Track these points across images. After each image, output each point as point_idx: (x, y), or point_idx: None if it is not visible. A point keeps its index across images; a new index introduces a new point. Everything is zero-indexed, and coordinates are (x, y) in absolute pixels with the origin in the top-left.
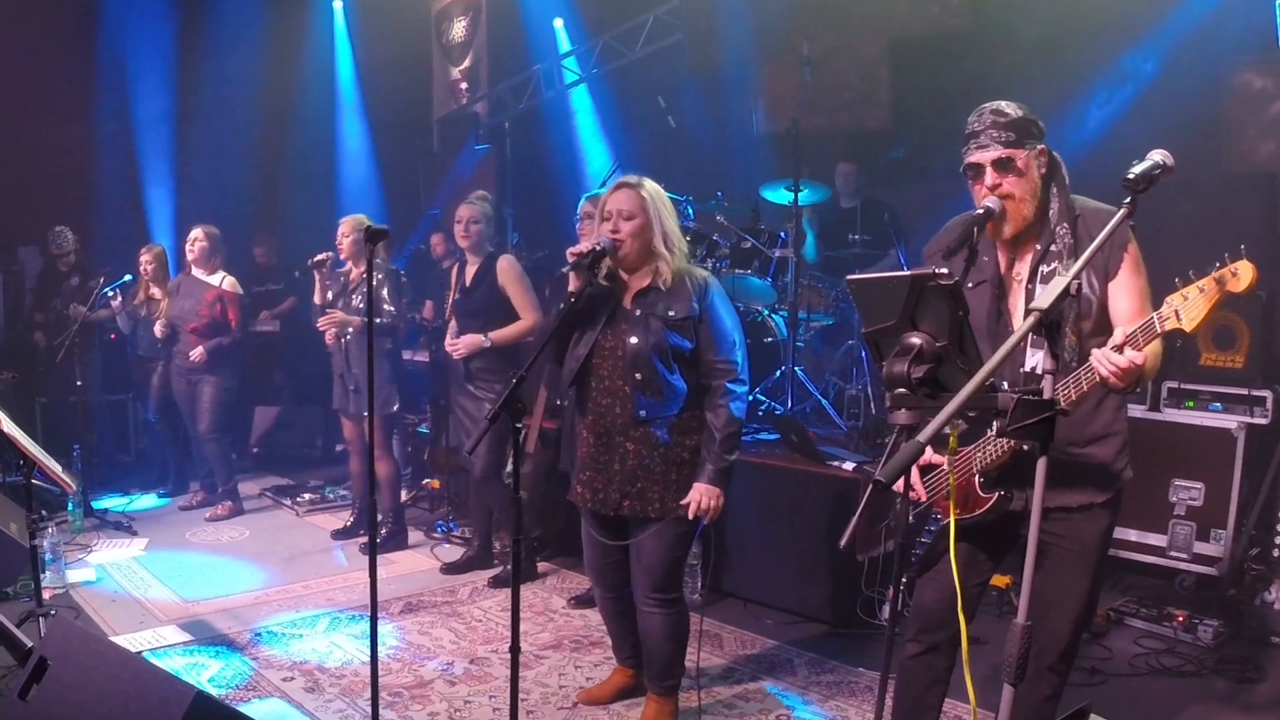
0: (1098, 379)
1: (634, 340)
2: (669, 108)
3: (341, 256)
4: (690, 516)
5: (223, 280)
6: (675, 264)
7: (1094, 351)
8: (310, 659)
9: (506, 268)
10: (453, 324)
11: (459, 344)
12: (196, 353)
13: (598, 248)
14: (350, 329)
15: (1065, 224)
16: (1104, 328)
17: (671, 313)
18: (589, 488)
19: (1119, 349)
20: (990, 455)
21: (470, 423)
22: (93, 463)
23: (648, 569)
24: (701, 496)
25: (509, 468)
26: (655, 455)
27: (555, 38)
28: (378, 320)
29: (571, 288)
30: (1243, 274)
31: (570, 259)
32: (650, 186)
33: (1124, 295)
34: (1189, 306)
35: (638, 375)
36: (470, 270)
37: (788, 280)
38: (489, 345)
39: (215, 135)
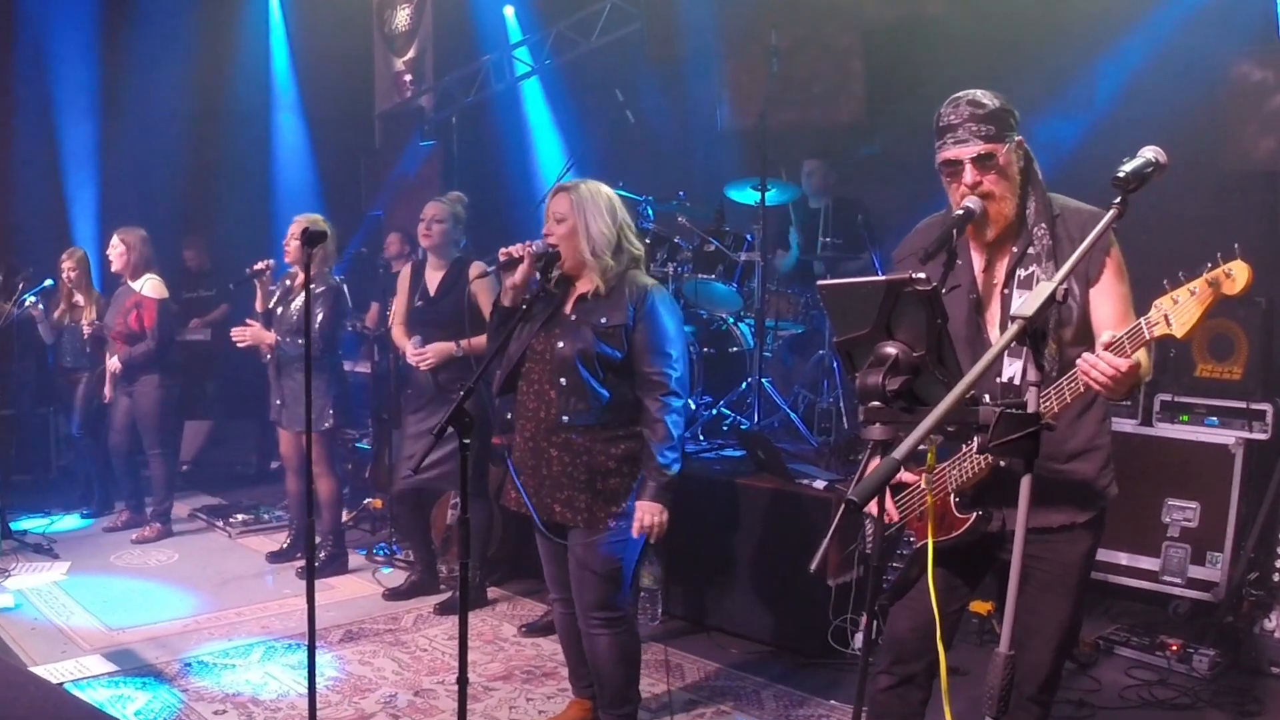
0: (1083, 388)
1: (561, 345)
2: (627, 101)
3: (287, 259)
4: (635, 534)
5: (144, 284)
6: (603, 267)
7: (1084, 356)
8: (244, 691)
9: (476, 274)
10: (399, 331)
11: (427, 353)
12: (111, 363)
13: (532, 249)
14: (266, 344)
15: (1044, 224)
16: (1085, 336)
17: (604, 320)
18: (525, 491)
19: (1107, 351)
20: (966, 472)
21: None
22: (11, 481)
23: (586, 583)
24: (643, 514)
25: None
26: (579, 463)
27: (505, 26)
28: (299, 342)
29: (508, 283)
30: (1237, 275)
31: (501, 258)
32: (585, 188)
33: (1106, 302)
34: (1180, 310)
35: (562, 381)
36: (434, 275)
37: (754, 286)
38: (460, 354)
39: (142, 131)
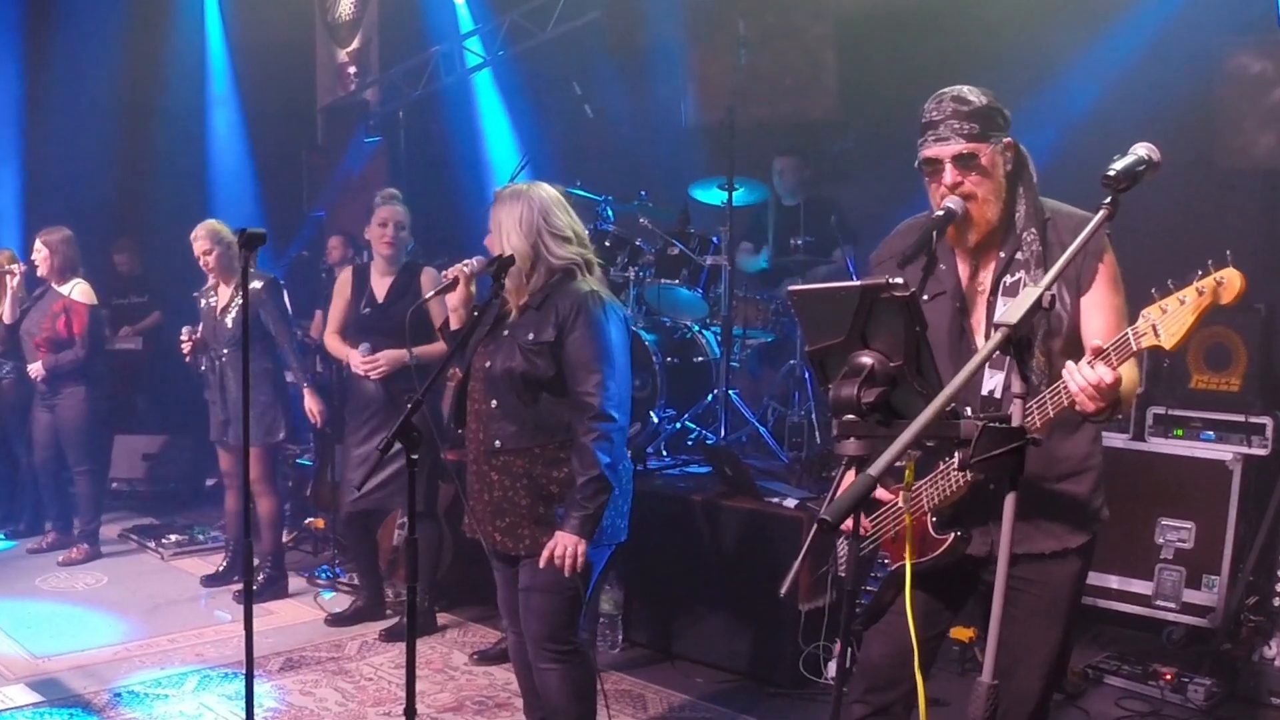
0: (1066, 401)
1: (488, 364)
2: (586, 95)
3: (211, 278)
4: (541, 565)
5: (72, 289)
6: (515, 287)
7: (1067, 364)
8: None
9: (429, 283)
10: (335, 340)
11: (379, 360)
12: (34, 368)
13: (466, 271)
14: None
15: (1033, 229)
16: (1076, 348)
17: (530, 336)
18: (473, 516)
19: (1091, 363)
20: (944, 490)
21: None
22: None
23: (534, 613)
24: (557, 544)
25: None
26: (519, 487)
27: (456, 15)
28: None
29: (450, 307)
30: (1230, 283)
31: (445, 280)
32: (506, 198)
33: (1097, 313)
34: (1168, 320)
35: (493, 402)
36: (382, 281)
37: (720, 291)
38: (414, 363)
39: (70, 127)
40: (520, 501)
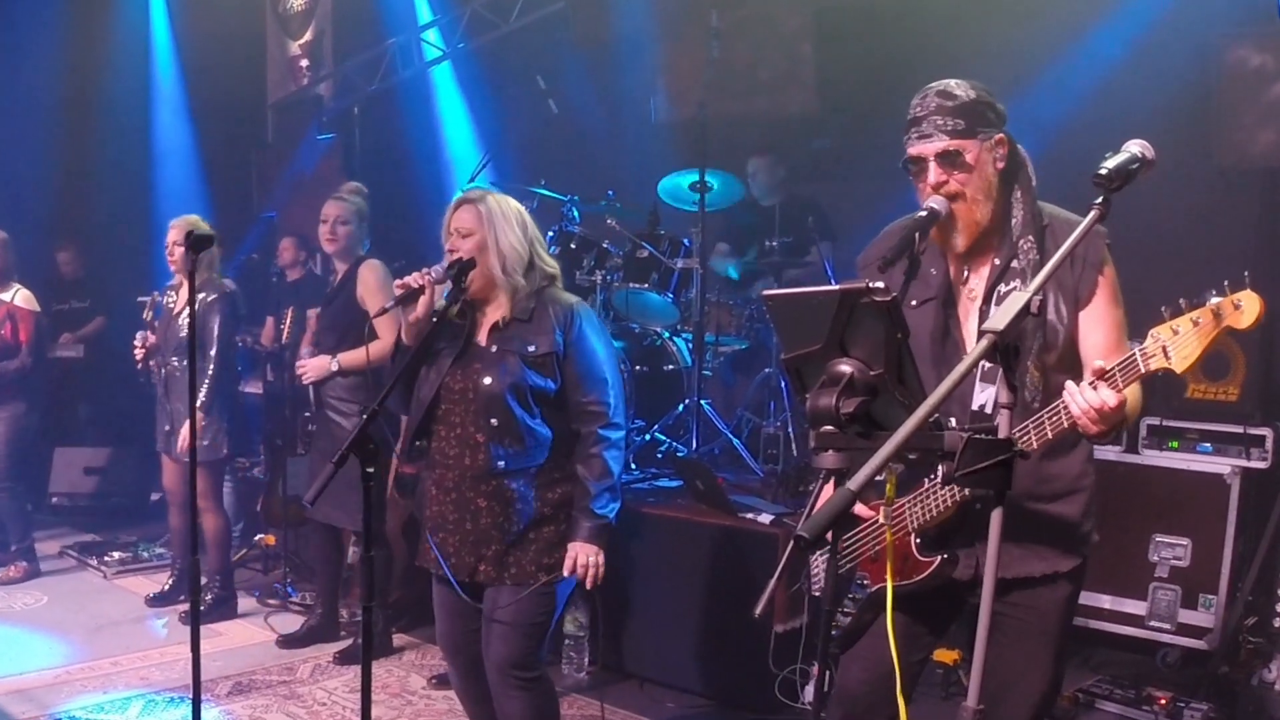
0: (1066, 423)
1: (487, 381)
2: (550, 90)
3: (174, 270)
4: (566, 574)
5: (15, 295)
6: (514, 287)
7: (1067, 385)
8: None
9: (367, 275)
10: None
11: (306, 366)
12: None
13: (431, 276)
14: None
15: (1030, 236)
16: (1072, 363)
17: (531, 348)
18: (440, 551)
19: (1094, 384)
20: (930, 510)
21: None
22: None
23: (505, 640)
24: (579, 554)
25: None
26: (512, 513)
27: (414, 6)
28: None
29: (409, 319)
30: (1247, 307)
31: (398, 291)
32: (492, 199)
33: (1098, 328)
34: (1179, 343)
35: (493, 421)
36: (335, 278)
37: (692, 296)
38: (336, 369)
39: (7, 124)
40: (511, 528)
